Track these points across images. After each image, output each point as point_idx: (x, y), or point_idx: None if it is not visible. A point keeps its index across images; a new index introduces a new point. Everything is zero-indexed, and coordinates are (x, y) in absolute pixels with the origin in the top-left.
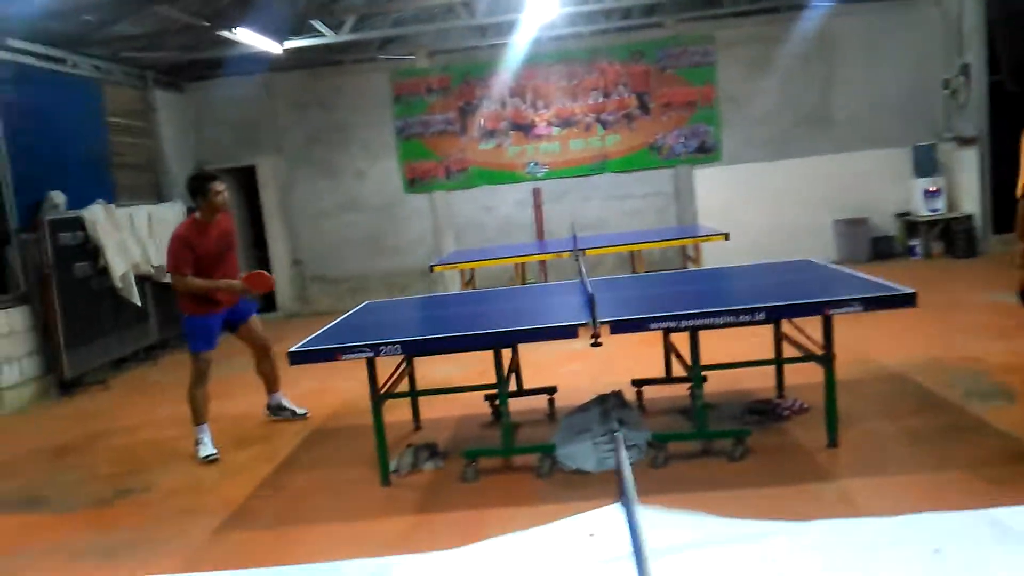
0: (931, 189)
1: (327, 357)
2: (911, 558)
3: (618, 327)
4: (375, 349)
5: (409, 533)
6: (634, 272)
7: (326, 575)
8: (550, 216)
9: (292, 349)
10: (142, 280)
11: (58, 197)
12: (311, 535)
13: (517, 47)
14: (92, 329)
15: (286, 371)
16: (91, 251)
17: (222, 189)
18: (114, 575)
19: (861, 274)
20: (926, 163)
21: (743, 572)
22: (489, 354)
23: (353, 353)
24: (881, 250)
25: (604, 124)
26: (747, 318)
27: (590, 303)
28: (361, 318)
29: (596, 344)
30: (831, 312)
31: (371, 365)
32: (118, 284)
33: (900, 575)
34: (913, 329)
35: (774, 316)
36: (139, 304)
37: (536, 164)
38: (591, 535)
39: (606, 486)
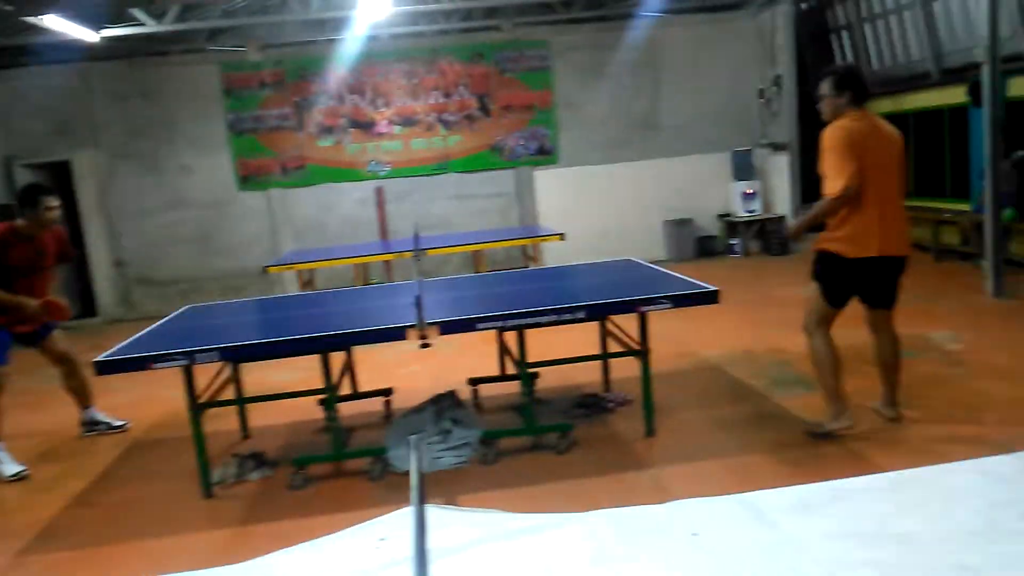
0: (748, 192)
1: (138, 366)
2: (672, 542)
3: (447, 327)
4: (190, 357)
5: (229, 546)
6: (476, 272)
7: None
8: (394, 215)
9: (98, 358)
10: None
11: None
12: (125, 553)
13: (354, 43)
14: None
15: (106, 380)
16: None
17: (55, 205)
18: None
19: (675, 273)
20: (743, 167)
21: (520, 564)
22: (330, 357)
23: (166, 361)
24: (705, 249)
25: (446, 124)
26: (569, 316)
27: (417, 305)
28: (180, 323)
29: (425, 346)
30: (644, 309)
31: (188, 373)
32: None
33: (662, 559)
34: (730, 323)
35: (593, 315)
36: None
37: (377, 163)
38: (381, 539)
39: (438, 487)
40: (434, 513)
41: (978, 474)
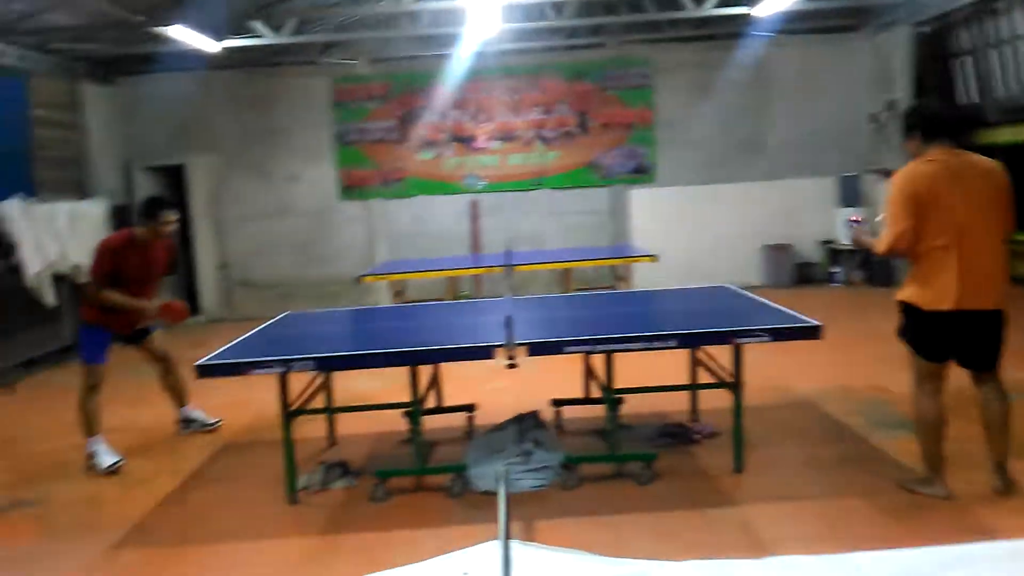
0: (853, 219)
1: (236, 372)
2: None
3: (535, 349)
4: (287, 364)
5: (311, 554)
6: (565, 289)
7: None
8: (487, 230)
9: (199, 362)
10: (58, 279)
11: None
12: (210, 554)
13: (460, 60)
14: (1, 328)
15: (205, 379)
16: (5, 247)
17: (173, 220)
18: None
19: (773, 304)
20: (850, 193)
21: None
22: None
23: (264, 368)
24: (804, 276)
25: (544, 140)
26: (660, 345)
27: (508, 325)
28: (278, 330)
29: (512, 366)
30: (740, 342)
31: (283, 381)
32: (31, 283)
33: None
34: (827, 357)
35: (685, 344)
36: (52, 304)
37: (474, 177)
38: (464, 574)
39: (517, 508)
40: (519, 551)
41: None
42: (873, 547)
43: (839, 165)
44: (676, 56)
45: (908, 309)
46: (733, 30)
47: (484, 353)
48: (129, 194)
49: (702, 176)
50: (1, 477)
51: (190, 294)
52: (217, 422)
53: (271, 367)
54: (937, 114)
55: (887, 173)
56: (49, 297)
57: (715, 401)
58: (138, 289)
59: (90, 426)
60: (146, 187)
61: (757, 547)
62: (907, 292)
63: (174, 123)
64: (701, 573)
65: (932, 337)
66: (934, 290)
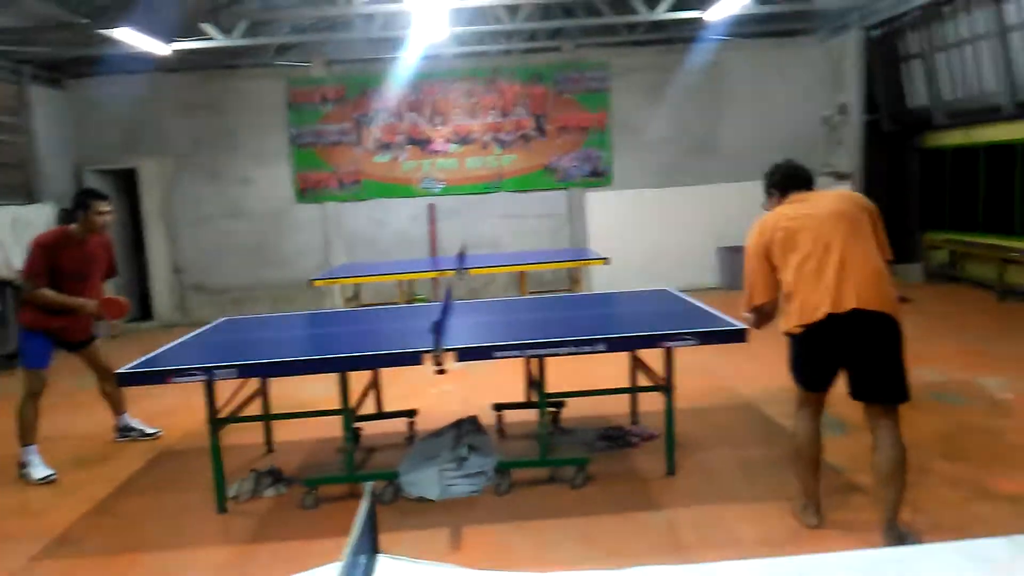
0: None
1: (157, 380)
2: None
3: (464, 355)
4: (209, 372)
5: (233, 563)
6: (520, 293)
7: None
8: (445, 233)
9: (121, 370)
10: (2, 285)
11: None
12: (134, 563)
13: (415, 62)
14: None
15: (148, 386)
16: None
17: (106, 210)
18: None
19: (708, 308)
20: None
21: None
22: (360, 373)
23: (185, 376)
24: None
25: (501, 143)
26: (588, 349)
27: (434, 331)
28: (212, 336)
29: (440, 371)
30: (667, 345)
31: (209, 389)
32: None
33: None
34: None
35: (613, 348)
36: None
37: (432, 180)
38: None
39: (446, 515)
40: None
41: (966, 558)
42: (794, 552)
43: None
44: (632, 60)
45: (789, 338)
46: (687, 34)
47: (412, 359)
48: None
49: (658, 179)
50: None
51: (143, 298)
52: (157, 432)
53: (193, 375)
54: (785, 170)
55: (840, 176)
56: None
57: (657, 404)
58: (77, 288)
59: (26, 434)
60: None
61: (679, 551)
62: (783, 321)
63: (125, 126)
64: None
65: (809, 358)
66: (810, 304)
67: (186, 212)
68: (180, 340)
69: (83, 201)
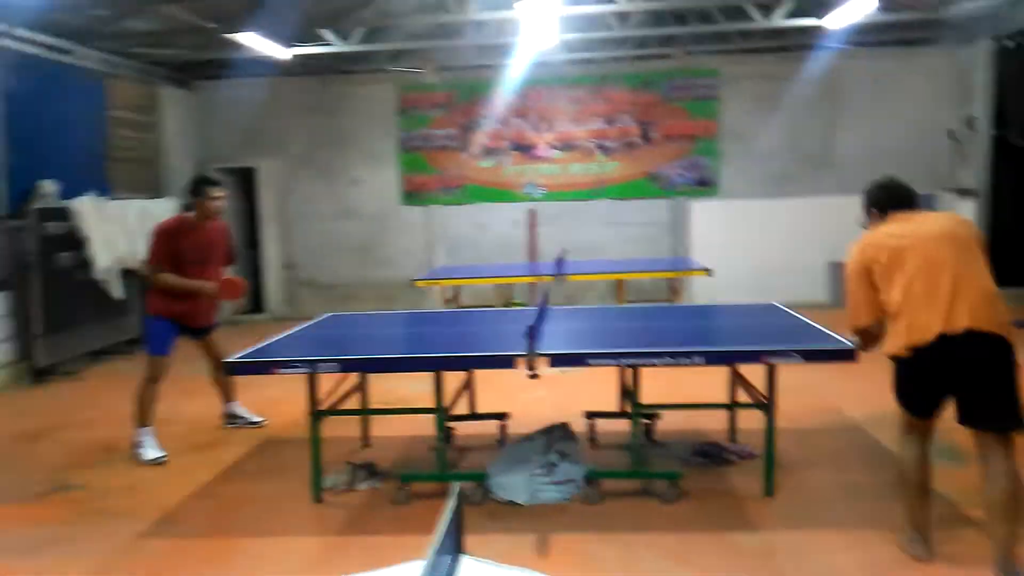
0: None
1: (263, 371)
2: None
3: (557, 360)
4: (311, 365)
5: (326, 554)
6: (618, 301)
7: None
8: (545, 238)
9: (228, 359)
10: (127, 274)
11: (48, 187)
12: (229, 548)
13: (523, 69)
14: (70, 319)
15: (256, 376)
16: (77, 242)
17: (220, 195)
18: (19, 574)
19: (816, 324)
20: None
21: None
22: (456, 373)
23: (290, 368)
24: None
25: (605, 150)
26: (685, 361)
27: (529, 335)
28: (317, 331)
29: (533, 376)
30: (770, 361)
31: (311, 381)
32: (100, 276)
33: None
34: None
35: (712, 361)
36: (121, 297)
37: (534, 185)
38: None
39: (534, 521)
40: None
41: None
42: None
43: (914, 183)
44: (744, 68)
45: (894, 361)
46: (803, 42)
47: (505, 362)
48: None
49: (768, 190)
50: (52, 461)
51: (256, 293)
52: (262, 421)
53: (297, 367)
54: (887, 188)
55: (965, 192)
56: (117, 291)
57: (757, 422)
58: (197, 273)
59: (143, 416)
60: None
61: None
62: (889, 343)
63: (245, 127)
64: None
65: (918, 381)
66: (919, 324)
67: (299, 211)
68: (286, 333)
69: (198, 188)
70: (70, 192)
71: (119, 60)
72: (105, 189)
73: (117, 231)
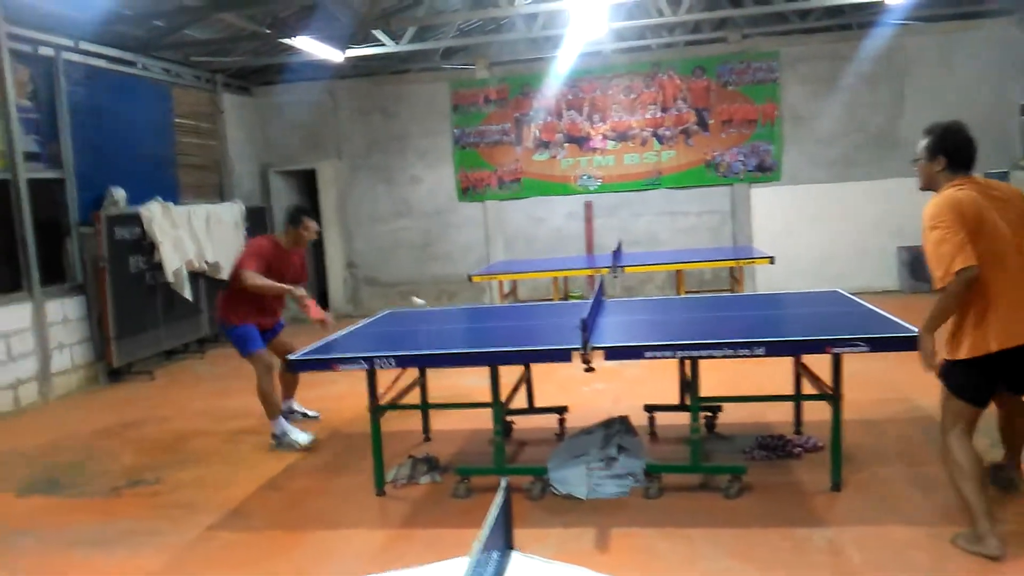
0: None
1: (324, 367)
2: None
3: (612, 353)
4: (370, 361)
5: (390, 547)
6: (678, 292)
7: None
8: (601, 230)
9: (291, 357)
10: (196, 276)
11: (118, 193)
12: (298, 540)
13: (572, 60)
14: (143, 321)
15: (318, 372)
16: (147, 246)
17: (315, 229)
18: (98, 566)
19: (884, 312)
20: None
21: None
22: (514, 367)
23: (349, 364)
24: None
25: (660, 139)
26: (746, 352)
27: (582, 328)
28: (377, 327)
29: (589, 369)
30: (835, 351)
31: (371, 376)
32: (170, 279)
33: None
34: None
35: (774, 352)
36: (190, 299)
37: (589, 177)
38: None
39: (593, 515)
40: (519, 563)
41: None
42: None
43: (985, 160)
44: (803, 48)
45: (969, 361)
46: (864, 19)
47: (561, 356)
48: (265, 197)
49: (831, 173)
50: (127, 458)
51: (321, 292)
52: (317, 415)
53: (356, 363)
54: (969, 141)
55: None
56: (187, 292)
57: (823, 414)
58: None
59: (271, 409)
60: (280, 191)
61: (843, 574)
62: (974, 343)
63: (305, 130)
64: None
65: (991, 376)
66: (1013, 331)
67: (358, 211)
68: (347, 330)
69: (296, 217)
70: (139, 198)
71: (182, 69)
72: (173, 194)
73: (186, 235)
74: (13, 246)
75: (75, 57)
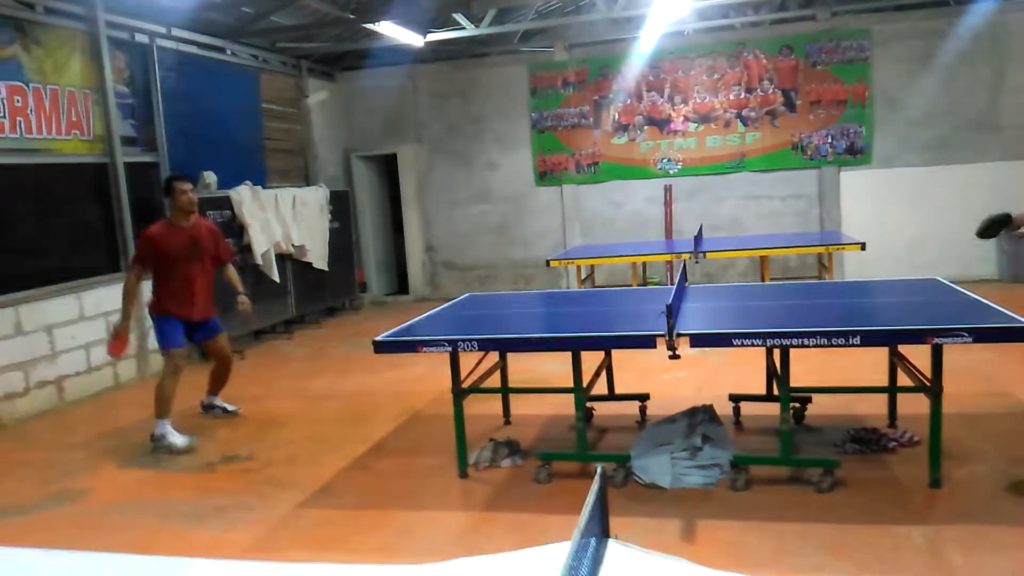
0: None
1: (409, 349)
2: None
3: (698, 340)
4: (453, 344)
5: (472, 529)
6: (762, 278)
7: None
8: (682, 214)
9: (377, 339)
10: (283, 258)
11: (209, 177)
12: (383, 519)
13: (655, 41)
14: (232, 302)
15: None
16: (236, 229)
17: (187, 189)
18: (193, 539)
19: (987, 301)
20: None
21: None
22: (594, 353)
23: (433, 347)
24: None
25: (745, 121)
26: (840, 341)
27: (667, 315)
28: (458, 310)
29: (674, 356)
30: (937, 341)
31: (454, 359)
32: (259, 261)
33: None
34: None
35: (871, 341)
36: (277, 280)
37: (669, 160)
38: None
39: (678, 505)
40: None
41: None
42: None
43: None
44: (896, 26)
45: None
46: None
47: (646, 342)
48: (348, 182)
49: (925, 157)
50: (221, 434)
51: (400, 275)
52: (236, 410)
53: (440, 345)
54: None
55: None
56: (275, 274)
57: (919, 407)
58: (187, 272)
59: (162, 407)
60: (362, 175)
61: (944, 574)
62: None
63: (386, 114)
64: None
65: None
66: None
67: (439, 195)
68: (429, 313)
69: (166, 186)
70: (228, 182)
71: (268, 55)
72: (261, 178)
73: (273, 218)
74: (112, 229)
75: (168, 44)
